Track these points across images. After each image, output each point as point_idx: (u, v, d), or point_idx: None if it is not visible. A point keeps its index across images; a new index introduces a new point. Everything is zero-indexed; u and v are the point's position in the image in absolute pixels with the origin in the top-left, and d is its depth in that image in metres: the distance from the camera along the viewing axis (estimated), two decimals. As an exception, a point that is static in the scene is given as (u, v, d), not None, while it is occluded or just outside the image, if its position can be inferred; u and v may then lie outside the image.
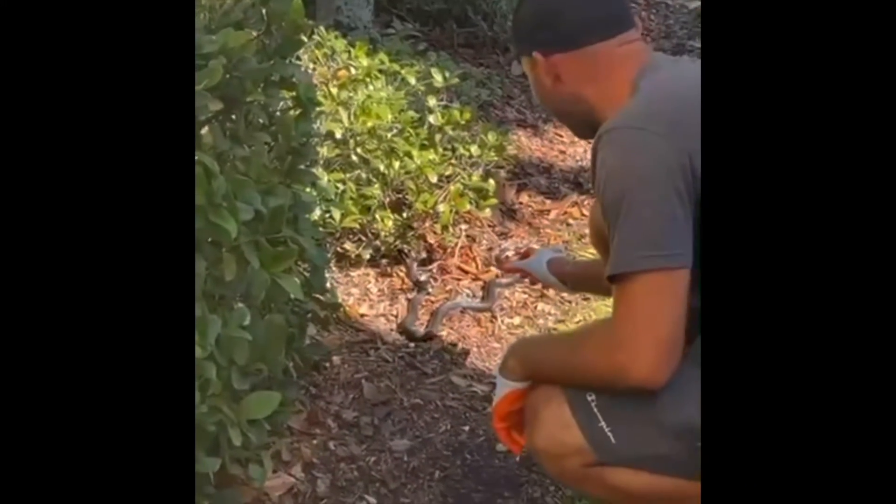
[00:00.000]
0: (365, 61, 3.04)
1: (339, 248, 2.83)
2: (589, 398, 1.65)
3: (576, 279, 2.26)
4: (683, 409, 1.54)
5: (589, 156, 1.66)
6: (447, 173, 2.91)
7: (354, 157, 2.79)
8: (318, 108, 2.61)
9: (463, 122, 2.98)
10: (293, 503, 2.07)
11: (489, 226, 3.16)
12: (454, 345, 2.69)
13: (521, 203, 3.37)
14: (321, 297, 2.22)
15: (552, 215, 3.34)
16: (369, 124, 2.79)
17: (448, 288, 2.90)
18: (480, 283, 2.94)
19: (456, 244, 2.99)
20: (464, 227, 3.08)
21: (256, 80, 1.70)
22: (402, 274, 2.90)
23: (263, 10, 1.78)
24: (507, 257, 2.79)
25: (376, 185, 2.79)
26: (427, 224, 2.90)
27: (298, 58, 2.99)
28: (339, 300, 2.55)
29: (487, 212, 3.04)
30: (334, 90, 2.87)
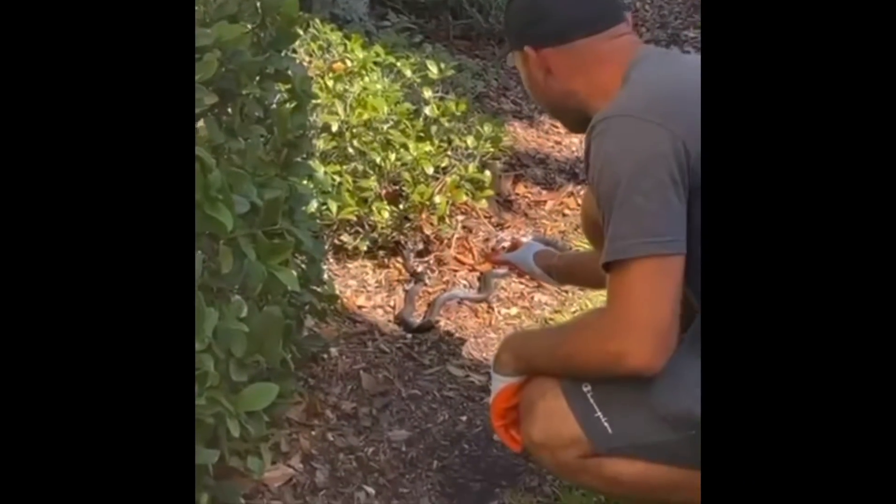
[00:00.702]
0: (360, 54, 3.04)
1: (336, 240, 2.83)
2: (585, 389, 1.66)
3: (562, 272, 2.27)
4: (679, 397, 1.56)
5: (581, 148, 1.67)
6: (443, 165, 2.92)
7: (351, 150, 2.80)
8: (313, 101, 2.61)
9: (458, 114, 2.99)
10: (292, 494, 2.08)
11: (486, 217, 3.17)
12: (451, 335, 2.70)
13: (517, 194, 3.37)
14: (318, 289, 2.24)
15: (548, 206, 3.35)
16: (365, 116, 2.79)
17: (445, 279, 2.91)
18: (477, 273, 2.94)
19: (452, 235, 2.99)
20: (460, 218, 3.09)
21: (251, 73, 1.71)
22: (399, 265, 2.91)
23: (258, 4, 1.79)
24: (493, 249, 2.80)
25: (373, 177, 2.79)
26: (424, 215, 2.91)
27: (294, 50, 3.00)
28: (337, 292, 2.56)
29: (484, 203, 3.05)
30: (330, 83, 2.88)
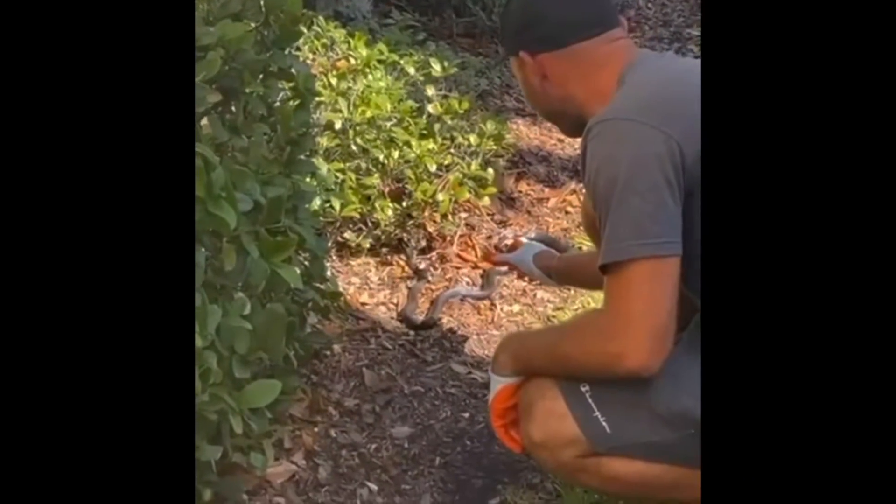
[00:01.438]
0: (364, 51, 3.05)
1: (339, 238, 2.84)
2: (583, 389, 1.67)
3: (561, 273, 2.28)
4: (677, 396, 1.57)
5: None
6: (446, 162, 2.93)
7: (354, 147, 2.81)
8: (317, 99, 2.63)
9: (461, 112, 3.00)
10: (295, 490, 2.09)
11: (488, 214, 3.18)
12: (454, 332, 2.70)
13: (520, 191, 3.38)
14: (321, 286, 2.24)
15: (551, 203, 3.36)
16: (368, 114, 2.80)
17: (448, 276, 2.92)
18: (480, 271, 2.95)
19: (455, 232, 3.00)
20: (463, 215, 3.10)
21: (255, 71, 1.71)
22: (402, 263, 2.91)
23: (261, 2, 1.79)
24: (496, 248, 2.80)
25: (376, 175, 2.80)
26: (426, 213, 2.92)
27: (298, 48, 3.01)
28: (340, 289, 2.57)
29: (486, 200, 3.05)
30: (333, 80, 2.88)
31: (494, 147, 3.07)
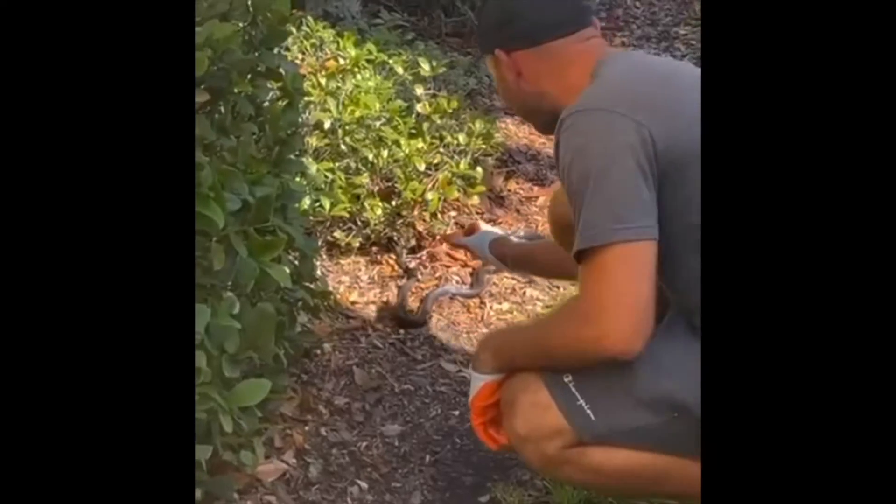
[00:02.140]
0: (353, 51, 3.05)
1: (328, 237, 2.85)
2: (566, 379, 1.67)
3: (515, 260, 2.30)
4: (658, 380, 1.58)
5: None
6: (435, 161, 2.94)
7: (343, 147, 2.81)
8: (306, 99, 2.64)
9: (450, 111, 3.00)
10: (286, 489, 2.10)
11: (477, 213, 3.18)
12: (444, 330, 2.71)
13: (509, 190, 3.39)
14: (311, 286, 2.25)
15: (540, 202, 3.36)
16: (357, 114, 2.81)
17: (437, 275, 2.93)
18: (470, 269, 2.96)
19: (444, 231, 3.01)
20: (453, 214, 3.11)
21: (242, 71, 1.72)
22: (391, 261, 2.92)
23: (249, 2, 1.80)
24: (456, 232, 2.80)
25: (365, 174, 2.81)
26: (416, 212, 2.92)
27: (287, 48, 3.02)
28: (330, 288, 2.57)
29: (476, 199, 3.06)
30: (322, 80, 2.89)
31: (483, 146, 3.08)
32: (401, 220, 2.92)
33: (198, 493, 1.74)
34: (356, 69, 3.01)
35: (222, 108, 1.76)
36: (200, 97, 1.55)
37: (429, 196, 2.88)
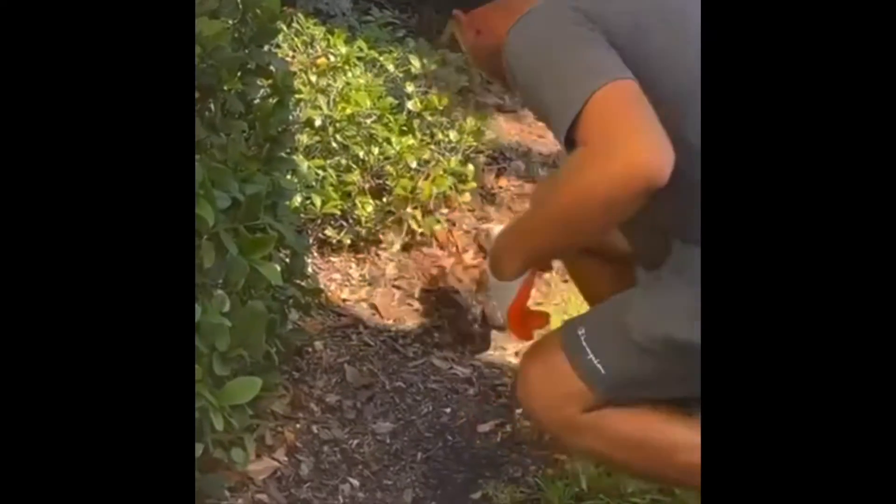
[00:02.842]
0: (343, 49, 3.05)
1: (319, 234, 2.84)
2: (579, 332, 1.66)
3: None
4: (659, 324, 1.56)
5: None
6: (426, 158, 2.93)
7: (334, 144, 2.81)
8: (296, 96, 2.64)
9: (441, 108, 3.00)
10: (277, 486, 2.10)
11: (469, 210, 3.18)
12: (436, 328, 2.71)
13: (500, 187, 3.39)
14: (302, 283, 2.25)
15: (532, 199, 3.37)
16: (348, 111, 2.81)
17: (431, 273, 2.92)
18: (462, 265, 2.95)
19: (436, 228, 3.01)
20: (444, 211, 3.10)
21: (232, 68, 1.72)
22: (381, 259, 2.92)
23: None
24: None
25: (356, 172, 2.81)
26: (407, 209, 2.92)
27: (277, 46, 3.01)
28: (321, 286, 2.57)
29: (467, 196, 3.06)
30: (313, 78, 2.89)
31: (474, 143, 3.08)
32: (392, 218, 2.91)
33: (189, 491, 1.74)
34: (347, 66, 3.01)
35: (212, 106, 1.75)
36: (190, 94, 1.55)
37: (420, 185, 2.87)
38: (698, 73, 1.27)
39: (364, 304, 2.77)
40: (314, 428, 2.28)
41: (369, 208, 2.81)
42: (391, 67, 3.06)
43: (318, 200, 2.69)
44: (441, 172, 2.93)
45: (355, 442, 2.27)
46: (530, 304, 1.90)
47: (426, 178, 2.90)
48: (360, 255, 2.90)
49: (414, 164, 2.85)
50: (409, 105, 2.97)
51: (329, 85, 2.88)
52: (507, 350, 2.65)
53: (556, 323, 1.94)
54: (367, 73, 3.01)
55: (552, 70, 1.47)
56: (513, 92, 2.27)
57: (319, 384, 2.43)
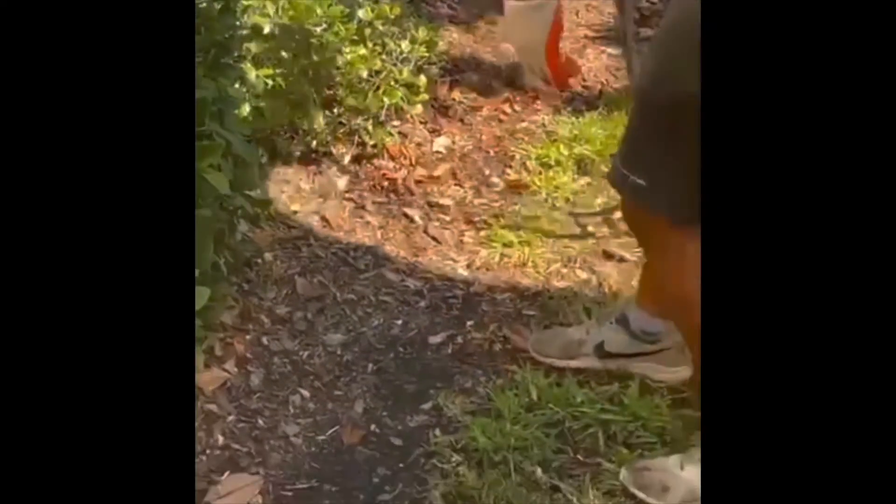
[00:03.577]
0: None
1: (269, 146, 2.80)
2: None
3: None
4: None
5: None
6: (377, 69, 2.88)
7: (283, 53, 2.75)
8: (244, 2, 2.57)
9: (393, 17, 2.95)
10: (226, 397, 2.09)
11: (421, 122, 3.15)
12: (387, 239, 2.70)
13: (453, 99, 3.35)
14: (251, 194, 2.22)
15: (484, 112, 3.34)
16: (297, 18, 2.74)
17: (382, 185, 2.90)
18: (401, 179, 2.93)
19: (387, 140, 2.97)
20: (396, 123, 3.06)
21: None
22: (331, 171, 2.88)
23: None
24: None
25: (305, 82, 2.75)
26: (359, 120, 2.88)
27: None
28: (270, 197, 2.54)
29: (419, 108, 3.02)
30: (256, -18, 2.81)
31: (427, 54, 3.03)
32: (343, 129, 2.87)
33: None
34: (296, -28, 2.92)
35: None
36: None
37: (370, 97, 2.83)
38: None
39: (315, 217, 2.74)
40: (264, 339, 2.28)
41: (320, 119, 2.76)
42: (341, -27, 2.98)
43: (267, 111, 2.64)
44: (392, 83, 2.89)
45: (306, 353, 2.27)
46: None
47: (377, 90, 2.85)
48: (311, 167, 2.86)
49: (364, 75, 2.80)
50: (360, 13, 2.91)
51: (278, -9, 2.81)
52: (458, 262, 2.64)
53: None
54: (317, -21, 2.93)
55: None
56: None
57: (270, 296, 2.42)
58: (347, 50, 2.79)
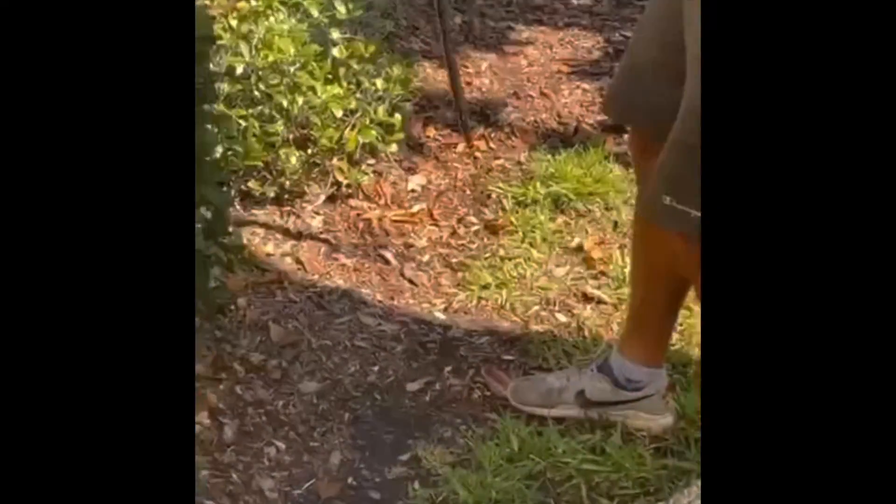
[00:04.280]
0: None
1: (242, 187, 2.75)
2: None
3: None
4: None
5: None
6: (352, 107, 2.85)
7: (257, 93, 2.71)
8: (217, 43, 2.53)
9: (367, 56, 2.91)
10: (200, 450, 2.03)
11: (396, 161, 3.10)
12: (362, 283, 2.65)
13: (427, 136, 3.31)
14: (224, 240, 2.17)
15: (459, 148, 3.30)
16: (271, 59, 2.70)
17: (357, 226, 2.85)
18: (389, 219, 2.89)
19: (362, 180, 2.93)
20: (371, 162, 3.02)
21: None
22: (305, 212, 2.84)
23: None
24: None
25: (280, 122, 2.71)
26: (333, 160, 2.84)
27: (196, -13, 2.89)
28: (244, 240, 2.49)
29: (394, 147, 2.98)
30: (234, 22, 2.77)
31: (401, 92, 2.99)
32: (317, 169, 2.83)
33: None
34: (269, 11, 2.88)
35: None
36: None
37: (346, 135, 2.79)
38: None
39: (289, 259, 2.69)
40: (238, 389, 2.23)
41: (293, 160, 2.72)
42: (315, 12, 2.94)
43: (240, 152, 2.60)
44: (367, 122, 2.85)
45: (281, 403, 2.22)
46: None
47: (352, 129, 2.81)
48: (285, 208, 2.82)
49: (339, 114, 2.76)
50: (335, 52, 2.87)
51: (251, 31, 2.77)
52: (434, 305, 2.60)
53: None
54: (290, 18, 2.89)
55: None
56: None
57: (243, 343, 2.37)
58: (321, 89, 2.75)
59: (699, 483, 1.02)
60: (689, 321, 2.36)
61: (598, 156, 3.11)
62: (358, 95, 2.88)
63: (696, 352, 2.31)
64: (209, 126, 2.23)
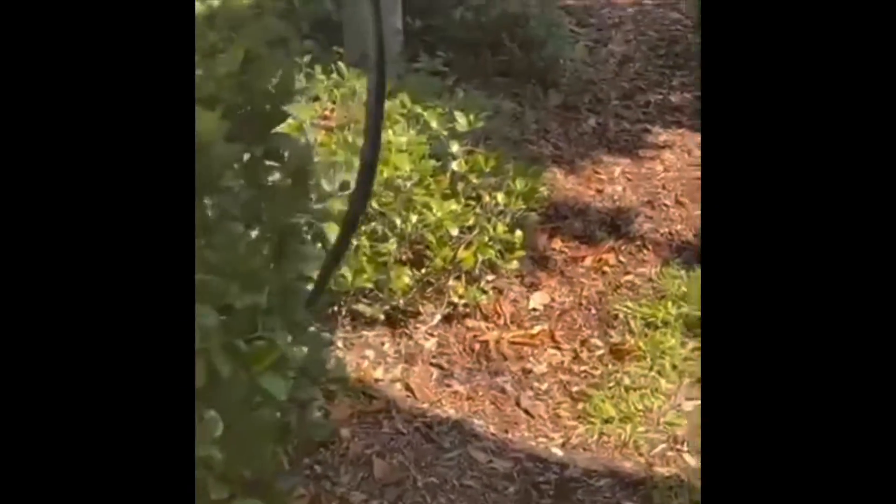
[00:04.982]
0: (385, 104, 2.85)
1: (351, 307, 2.64)
2: None
3: None
4: None
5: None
6: (469, 223, 2.72)
7: (369, 210, 2.61)
8: (332, 158, 2.45)
9: (488, 169, 2.79)
10: None
11: (517, 276, 2.95)
12: (474, 414, 2.49)
13: (553, 249, 3.15)
14: (323, 378, 2.05)
15: (587, 262, 3.12)
16: (386, 174, 2.60)
17: (473, 349, 2.70)
18: (507, 341, 2.73)
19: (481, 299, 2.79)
20: (489, 278, 2.88)
21: (227, 162, 1.52)
22: (419, 333, 2.71)
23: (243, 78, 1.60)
24: None
25: (392, 241, 2.60)
26: (448, 280, 2.71)
27: (317, 98, 2.85)
28: (348, 368, 2.38)
29: (515, 264, 2.84)
30: (350, 137, 2.69)
31: (524, 206, 2.85)
32: (431, 288, 2.70)
33: None
34: (388, 123, 2.80)
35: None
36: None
37: (462, 254, 2.66)
38: None
39: (398, 385, 2.55)
40: (335, 533, 2.09)
41: (406, 280, 2.60)
42: (434, 124, 2.84)
43: (349, 274, 2.49)
44: (486, 240, 2.71)
45: (380, 549, 2.07)
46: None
47: (468, 247, 2.67)
48: (397, 330, 2.69)
49: (455, 232, 2.63)
50: (454, 166, 2.76)
51: (367, 144, 2.68)
52: (552, 440, 2.42)
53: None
54: (409, 129, 2.80)
55: None
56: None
57: (344, 480, 2.23)
58: (437, 206, 2.63)
59: None
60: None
61: (735, 274, 2.89)
62: (477, 210, 2.76)
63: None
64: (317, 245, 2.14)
